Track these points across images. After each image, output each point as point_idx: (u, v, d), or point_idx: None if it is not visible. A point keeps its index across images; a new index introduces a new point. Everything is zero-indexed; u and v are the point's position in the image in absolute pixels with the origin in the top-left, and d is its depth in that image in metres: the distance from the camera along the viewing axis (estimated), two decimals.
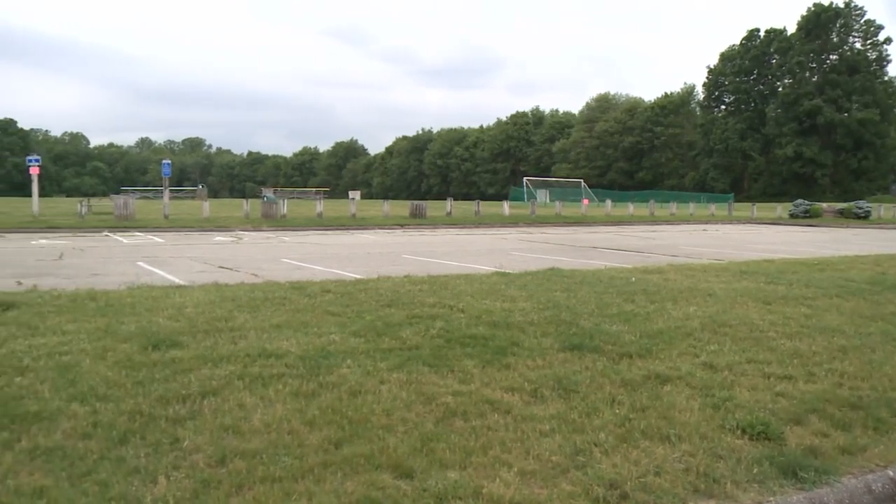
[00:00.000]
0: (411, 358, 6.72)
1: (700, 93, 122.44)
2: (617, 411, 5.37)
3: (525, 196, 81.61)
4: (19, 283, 12.53)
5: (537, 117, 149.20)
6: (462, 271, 14.39)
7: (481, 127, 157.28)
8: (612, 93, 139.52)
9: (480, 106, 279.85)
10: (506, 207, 47.36)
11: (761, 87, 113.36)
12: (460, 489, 4.05)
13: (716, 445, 4.79)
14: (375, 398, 5.56)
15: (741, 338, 7.88)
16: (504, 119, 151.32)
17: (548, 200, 77.67)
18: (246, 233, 31.26)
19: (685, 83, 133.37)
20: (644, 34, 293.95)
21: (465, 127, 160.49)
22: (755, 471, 4.48)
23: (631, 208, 52.68)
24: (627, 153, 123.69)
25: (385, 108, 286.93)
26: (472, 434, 4.89)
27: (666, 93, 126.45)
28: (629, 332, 8.01)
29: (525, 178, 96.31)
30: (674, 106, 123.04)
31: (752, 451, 4.74)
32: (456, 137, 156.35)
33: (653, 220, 46.65)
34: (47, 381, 5.88)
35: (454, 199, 52.18)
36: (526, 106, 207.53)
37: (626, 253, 21.42)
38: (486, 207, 50.50)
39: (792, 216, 49.80)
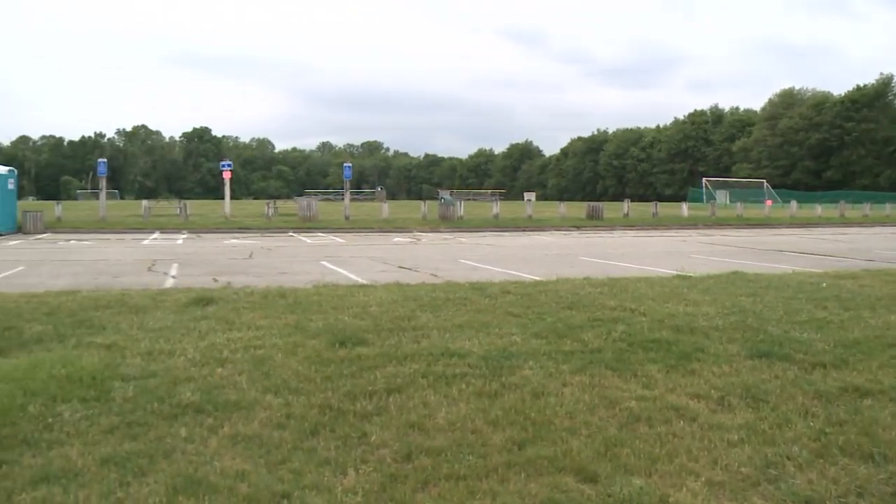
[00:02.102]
0: (593, 361, 6.66)
1: None
2: (811, 424, 5.09)
3: (704, 197, 79.27)
4: (215, 281, 13.39)
5: (716, 116, 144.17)
6: (641, 274, 14.16)
7: (658, 126, 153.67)
8: (796, 87, 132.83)
9: (657, 105, 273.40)
10: (684, 209, 46.19)
11: None
12: (645, 497, 3.96)
13: None
14: (558, 400, 5.54)
15: None
16: (682, 118, 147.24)
17: (728, 202, 74.98)
18: (423, 234, 31.93)
19: (881, 74, 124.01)
20: (834, 24, 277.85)
21: (642, 127, 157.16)
22: None
23: (819, 209, 50.02)
24: (814, 151, 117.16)
25: (560, 109, 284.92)
26: (657, 440, 4.78)
27: (858, 85, 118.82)
28: (822, 340, 7.59)
29: (704, 179, 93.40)
30: (867, 99, 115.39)
31: None
32: (632, 138, 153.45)
33: (843, 222, 44.18)
34: (244, 373, 6.23)
35: (630, 201, 51.32)
36: (704, 104, 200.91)
37: (815, 256, 20.38)
38: (664, 209, 49.35)
39: None
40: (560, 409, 5.32)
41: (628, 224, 39.34)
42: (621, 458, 4.48)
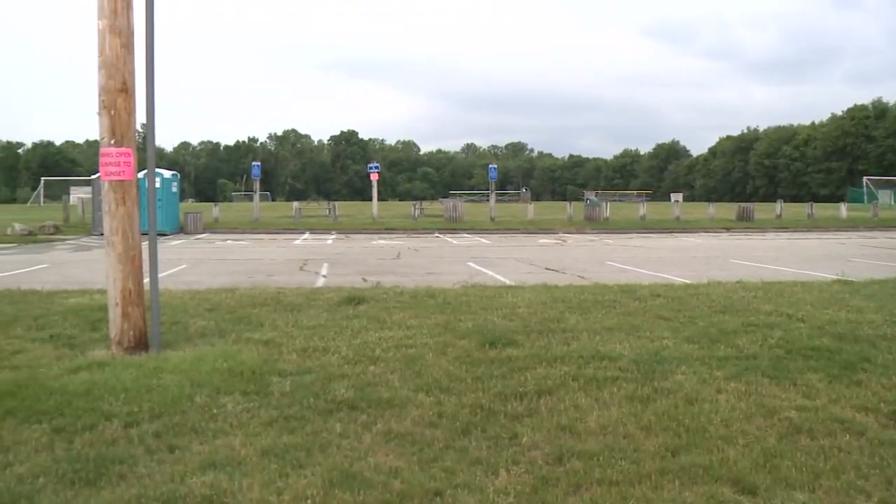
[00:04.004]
0: (749, 368, 6.47)
1: None
2: None
3: (865, 197, 75.31)
4: (364, 280, 13.73)
5: (879, 110, 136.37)
6: (797, 278, 13.58)
7: (813, 123, 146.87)
8: None
9: (812, 100, 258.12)
10: (843, 209, 44.04)
11: None
12: None
13: None
14: (712, 407, 5.40)
15: None
16: (839, 114, 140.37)
17: (893, 202, 70.98)
18: (569, 235, 31.73)
19: None
20: None
21: (795, 124, 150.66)
22: None
23: None
24: None
25: (708, 108, 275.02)
26: (821, 454, 4.57)
27: None
28: None
29: (865, 178, 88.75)
30: None
31: None
32: (784, 136, 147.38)
33: None
34: (396, 372, 6.37)
35: (783, 201, 49.31)
36: (865, 98, 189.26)
37: None
38: (820, 210, 47.23)
39: None
40: (715, 417, 5.19)
41: (781, 226, 37.90)
42: (781, 470, 4.31)
